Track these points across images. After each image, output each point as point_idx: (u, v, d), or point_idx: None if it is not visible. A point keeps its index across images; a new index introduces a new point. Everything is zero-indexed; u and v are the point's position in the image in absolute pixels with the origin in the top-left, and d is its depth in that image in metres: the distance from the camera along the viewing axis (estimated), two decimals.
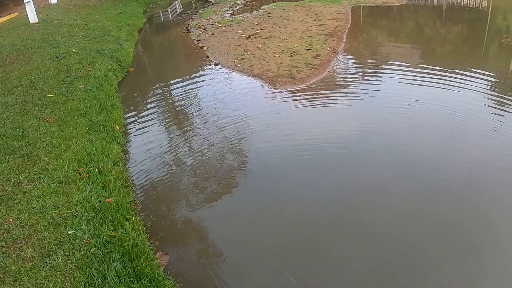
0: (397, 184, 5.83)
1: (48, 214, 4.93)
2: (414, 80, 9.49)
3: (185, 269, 4.65)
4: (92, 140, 6.62)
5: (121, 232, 4.71)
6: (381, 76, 10.10)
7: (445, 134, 7.07)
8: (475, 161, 6.24)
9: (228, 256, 4.79)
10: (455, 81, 9.25)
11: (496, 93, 8.71)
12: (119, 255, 4.41)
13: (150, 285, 4.09)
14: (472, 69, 9.95)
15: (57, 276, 4.12)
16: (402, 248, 4.75)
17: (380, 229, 5.03)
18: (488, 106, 8.09)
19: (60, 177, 5.63)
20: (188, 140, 7.37)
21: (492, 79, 9.55)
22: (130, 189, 5.82)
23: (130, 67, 11.27)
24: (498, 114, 7.72)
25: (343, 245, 4.84)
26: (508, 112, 7.87)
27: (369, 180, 5.92)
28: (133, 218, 5.04)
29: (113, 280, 4.09)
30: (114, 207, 5.12)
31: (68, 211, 5.00)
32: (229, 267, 4.65)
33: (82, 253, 4.42)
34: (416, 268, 4.49)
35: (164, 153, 6.96)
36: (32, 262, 4.27)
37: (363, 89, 9.20)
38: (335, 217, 5.28)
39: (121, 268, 4.24)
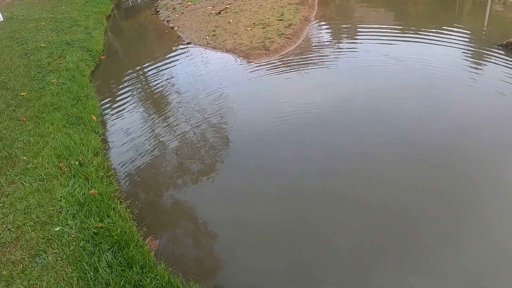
0: (382, 149, 5.82)
1: (33, 213, 4.90)
2: (390, 40, 9.53)
3: (176, 251, 4.66)
4: (69, 134, 6.54)
5: (108, 222, 4.71)
6: (357, 40, 10.06)
7: (427, 90, 7.13)
8: (459, 117, 6.33)
9: (218, 235, 4.80)
10: (431, 39, 9.33)
11: (472, 47, 8.83)
12: (109, 246, 4.41)
13: (142, 271, 4.10)
14: (448, 27, 10.02)
15: (49, 274, 4.13)
16: (392, 214, 4.77)
17: (369, 197, 5.04)
18: (466, 59, 8.20)
19: (41, 175, 5.58)
20: (168, 121, 7.30)
21: (467, 34, 9.62)
22: (113, 178, 5.77)
23: (101, 55, 11.07)
24: (475, 67, 7.83)
25: (332, 216, 4.84)
26: (485, 64, 7.99)
27: (353, 147, 5.91)
28: (119, 207, 5.02)
29: (105, 271, 4.11)
30: (99, 198, 5.09)
31: (52, 208, 4.97)
32: (219, 246, 4.66)
33: (72, 248, 4.42)
34: (407, 232, 4.52)
35: (144, 137, 6.89)
36: (22, 264, 4.26)
37: (339, 54, 9.17)
38: (321, 188, 5.27)
39: (111, 258, 4.25)
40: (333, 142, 6.11)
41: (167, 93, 8.52)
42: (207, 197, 5.42)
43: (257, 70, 8.77)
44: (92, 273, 4.11)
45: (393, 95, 7.16)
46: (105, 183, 5.50)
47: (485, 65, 8.01)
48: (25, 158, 5.97)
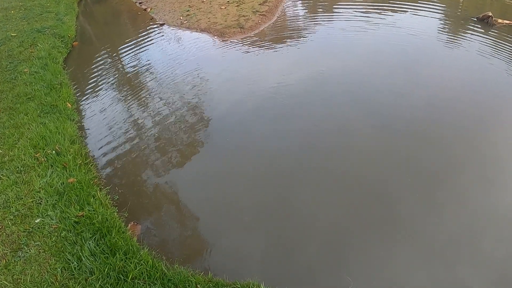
0: (360, 122, 5.83)
1: (12, 207, 4.84)
2: (366, 12, 9.51)
3: (159, 235, 4.65)
4: (45, 123, 6.43)
5: (89, 210, 4.67)
6: (333, 13, 10.02)
7: (403, 59, 7.21)
8: (438, 85, 6.41)
9: (199, 216, 4.80)
10: (408, 11, 9.40)
11: (449, 20, 8.94)
12: (90, 234, 4.38)
13: (126, 257, 4.09)
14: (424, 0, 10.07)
15: (33, 267, 4.10)
16: (371, 187, 4.83)
17: (348, 171, 5.08)
18: (443, 30, 8.35)
19: (18, 167, 5.49)
20: (145, 105, 7.21)
21: (444, 8, 9.70)
22: (92, 165, 5.70)
23: (74, 41, 10.82)
24: (453, 36, 7.93)
25: (311, 191, 4.87)
26: (463, 34, 8.14)
27: (330, 122, 5.92)
28: (99, 194, 4.97)
29: (89, 260, 4.08)
30: (78, 186, 5.04)
31: (32, 199, 4.91)
32: (201, 227, 4.66)
33: (53, 239, 4.38)
34: (387, 204, 4.59)
35: (121, 121, 6.80)
36: (5, 259, 4.22)
37: (315, 29, 9.13)
38: (300, 164, 5.28)
39: (94, 246, 4.23)
40: (310, 117, 6.10)
41: (143, 76, 8.41)
42: (187, 179, 5.39)
43: (232, 48, 8.69)
44: (75, 262, 4.09)
45: (370, 67, 7.17)
46: (84, 171, 5.44)
47: (463, 34, 8.15)
48: (0, 151, 5.86)
